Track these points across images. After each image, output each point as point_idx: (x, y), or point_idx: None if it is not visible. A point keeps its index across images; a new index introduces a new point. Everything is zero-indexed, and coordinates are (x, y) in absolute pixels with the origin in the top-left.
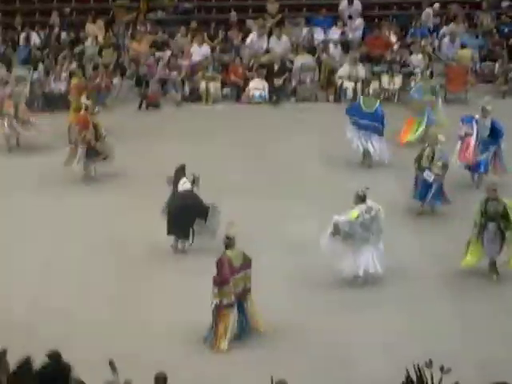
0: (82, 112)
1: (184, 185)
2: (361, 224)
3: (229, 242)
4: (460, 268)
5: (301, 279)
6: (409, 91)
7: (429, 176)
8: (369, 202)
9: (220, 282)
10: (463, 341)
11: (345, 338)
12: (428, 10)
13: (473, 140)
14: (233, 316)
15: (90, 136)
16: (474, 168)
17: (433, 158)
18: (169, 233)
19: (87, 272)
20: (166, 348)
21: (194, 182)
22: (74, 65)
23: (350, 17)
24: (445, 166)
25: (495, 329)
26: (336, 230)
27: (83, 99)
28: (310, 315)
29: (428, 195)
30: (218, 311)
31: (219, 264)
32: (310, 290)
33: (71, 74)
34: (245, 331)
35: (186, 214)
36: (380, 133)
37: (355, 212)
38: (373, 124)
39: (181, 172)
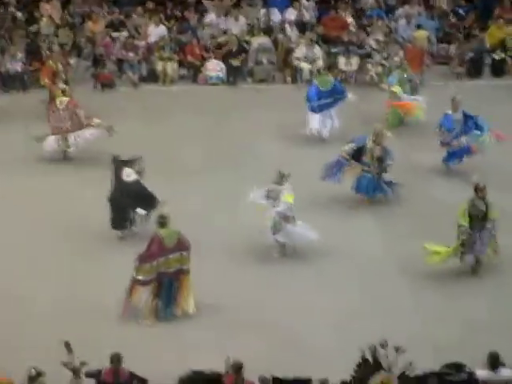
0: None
1: (130, 176)
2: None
3: (162, 221)
4: (418, 253)
5: (253, 259)
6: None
7: (390, 178)
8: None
9: (142, 258)
10: (419, 324)
11: (297, 318)
12: None
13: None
14: (144, 295)
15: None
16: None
17: (381, 158)
18: (114, 227)
19: (38, 253)
20: (119, 329)
21: (139, 172)
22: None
23: None
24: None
25: (452, 314)
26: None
27: (60, 84)
28: (263, 292)
29: (375, 189)
30: (132, 285)
31: (150, 241)
32: (260, 267)
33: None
34: (169, 311)
35: (129, 204)
36: (343, 98)
37: (290, 196)
38: (335, 97)
39: (120, 163)
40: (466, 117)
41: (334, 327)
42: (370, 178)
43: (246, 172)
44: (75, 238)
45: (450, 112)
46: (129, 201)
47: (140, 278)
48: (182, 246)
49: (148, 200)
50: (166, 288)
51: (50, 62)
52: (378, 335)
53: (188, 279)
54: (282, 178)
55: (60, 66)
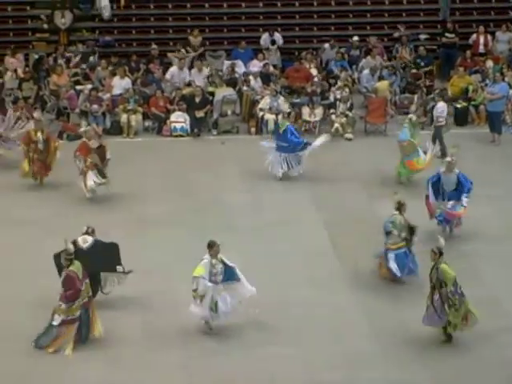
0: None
1: (88, 241)
2: None
3: (70, 258)
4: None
5: None
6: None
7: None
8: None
9: (72, 298)
10: (384, 368)
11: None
12: (325, 46)
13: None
14: (74, 328)
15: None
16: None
17: (410, 226)
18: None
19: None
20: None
21: (92, 232)
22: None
23: (273, 42)
24: None
25: (414, 355)
26: None
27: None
28: (219, 339)
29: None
30: (63, 325)
31: (69, 281)
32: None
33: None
34: (86, 337)
35: (97, 269)
36: (292, 150)
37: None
38: (282, 144)
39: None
40: (460, 183)
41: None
42: (403, 255)
43: (211, 223)
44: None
45: (441, 171)
46: (96, 265)
47: (70, 317)
48: (85, 274)
49: (113, 256)
50: (84, 318)
51: (31, 131)
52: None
53: (93, 303)
54: (218, 247)
55: (39, 135)
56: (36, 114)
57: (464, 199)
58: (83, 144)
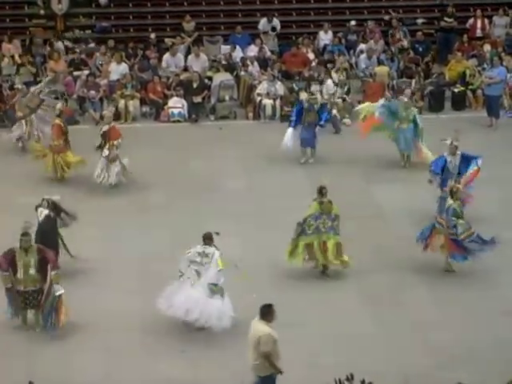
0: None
1: (42, 214)
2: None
3: (29, 239)
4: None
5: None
6: None
7: None
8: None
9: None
10: (385, 353)
11: None
12: (321, 33)
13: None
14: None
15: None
16: None
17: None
18: None
19: None
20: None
21: (54, 208)
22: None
23: (274, 29)
24: None
25: (417, 341)
26: None
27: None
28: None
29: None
30: (61, 299)
31: (51, 251)
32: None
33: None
34: None
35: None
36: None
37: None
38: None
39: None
40: (464, 159)
41: (301, 363)
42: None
43: (209, 209)
44: None
45: (445, 154)
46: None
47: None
48: None
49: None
50: None
51: (58, 120)
52: (344, 369)
53: None
54: (211, 239)
55: (66, 125)
56: (58, 105)
57: (479, 161)
58: (113, 128)
